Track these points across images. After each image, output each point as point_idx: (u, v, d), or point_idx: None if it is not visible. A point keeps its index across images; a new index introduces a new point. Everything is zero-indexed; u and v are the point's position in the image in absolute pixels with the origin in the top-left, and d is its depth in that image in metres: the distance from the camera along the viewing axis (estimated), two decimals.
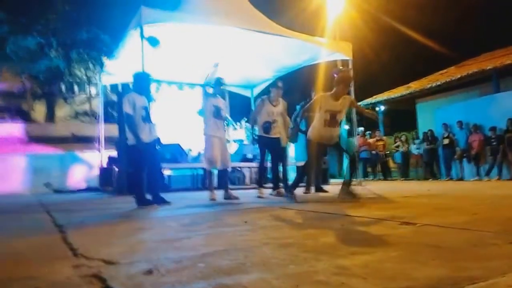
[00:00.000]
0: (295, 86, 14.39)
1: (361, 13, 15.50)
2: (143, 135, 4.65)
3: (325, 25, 13.97)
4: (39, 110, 18.38)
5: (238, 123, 11.15)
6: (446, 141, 11.41)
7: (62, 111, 18.73)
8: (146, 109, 4.79)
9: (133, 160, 4.84)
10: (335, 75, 4.84)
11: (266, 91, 9.78)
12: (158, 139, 4.89)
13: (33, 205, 5.85)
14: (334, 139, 4.91)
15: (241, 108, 11.71)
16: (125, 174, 7.43)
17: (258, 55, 8.51)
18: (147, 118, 4.76)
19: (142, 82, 4.87)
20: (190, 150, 9.50)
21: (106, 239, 2.47)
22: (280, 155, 6.18)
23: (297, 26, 8.25)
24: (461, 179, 10.98)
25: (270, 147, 5.97)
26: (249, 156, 9.31)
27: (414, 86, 15.34)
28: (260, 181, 6.15)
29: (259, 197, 5.65)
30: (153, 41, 6.27)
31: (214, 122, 5.49)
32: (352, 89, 8.17)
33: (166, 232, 2.71)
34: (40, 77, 15.17)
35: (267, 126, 5.86)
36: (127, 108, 4.61)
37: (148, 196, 4.79)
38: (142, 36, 6.16)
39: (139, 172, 4.80)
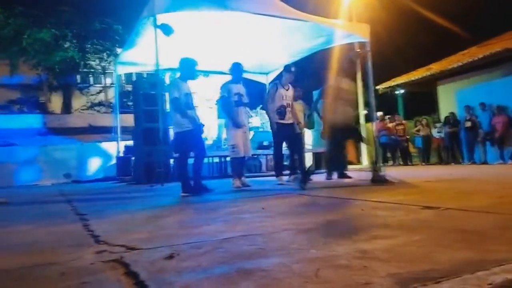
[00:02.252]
0: (311, 71, 14.23)
1: None
2: (189, 121, 4.62)
3: (340, 8, 13.72)
4: (55, 101, 18.72)
5: (253, 110, 11.10)
6: (468, 124, 11.11)
7: (78, 102, 19.01)
8: (190, 96, 4.78)
9: (179, 147, 4.83)
10: (350, 56, 4.77)
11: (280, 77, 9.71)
12: (202, 125, 4.87)
13: (54, 195, 5.98)
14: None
15: (256, 94, 11.64)
16: (142, 163, 7.52)
17: (273, 40, 8.38)
18: (191, 105, 4.76)
19: (188, 68, 4.82)
20: (206, 139, 9.54)
21: (126, 226, 2.50)
22: (295, 141, 6.13)
23: (312, 9, 8.11)
24: (484, 162, 10.70)
25: (285, 133, 5.92)
26: (265, 143, 9.29)
27: (435, 67, 14.95)
28: (278, 168, 6.13)
29: (279, 184, 5.62)
30: (167, 29, 6.23)
31: (237, 111, 5.47)
32: (370, 72, 8.03)
33: (184, 219, 2.73)
34: (56, 69, 15.38)
35: (282, 111, 5.80)
36: (175, 93, 4.58)
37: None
38: (155, 24, 6.13)
39: (185, 160, 4.80)
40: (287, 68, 6.12)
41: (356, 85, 4.79)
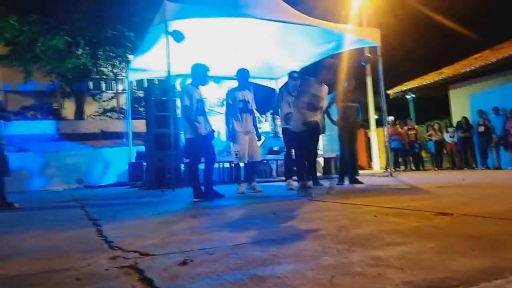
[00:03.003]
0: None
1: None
2: (200, 128, 4.66)
3: (350, 13, 13.70)
4: (68, 107, 18.97)
5: (263, 116, 11.11)
6: (481, 129, 10.96)
7: (90, 108, 19.23)
8: (202, 102, 4.83)
9: (190, 153, 4.87)
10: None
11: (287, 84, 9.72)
12: (213, 131, 4.93)
13: (66, 200, 6.05)
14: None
15: (266, 100, 11.66)
16: (154, 169, 7.57)
17: (283, 45, 8.42)
18: (202, 111, 4.80)
19: (200, 74, 4.85)
20: (217, 144, 9.56)
21: (139, 232, 2.52)
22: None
23: (321, 14, 8.12)
24: (498, 168, 10.54)
25: (294, 139, 5.92)
26: (275, 148, 9.29)
27: (447, 71, 14.79)
28: (288, 174, 6.12)
29: (289, 189, 5.61)
30: (178, 36, 6.29)
31: (242, 117, 5.49)
32: (381, 76, 8.00)
33: (196, 225, 2.74)
34: (69, 76, 15.61)
35: (289, 118, 5.82)
36: (185, 101, 4.63)
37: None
38: (166, 31, 6.20)
39: (195, 165, 4.83)
40: (290, 75, 6.15)
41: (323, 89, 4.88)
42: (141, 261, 1.64)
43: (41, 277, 1.53)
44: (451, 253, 1.55)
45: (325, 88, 5.36)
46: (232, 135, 5.46)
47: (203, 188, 4.68)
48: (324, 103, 5.96)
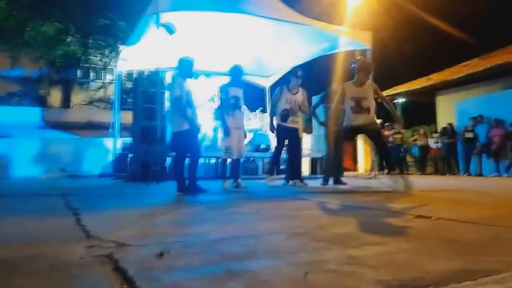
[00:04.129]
0: (312, 76, 14.23)
1: (381, 2, 15.12)
2: (186, 121, 4.62)
3: (344, 14, 13.76)
4: (55, 95, 18.67)
5: (252, 113, 11.11)
6: (469, 135, 11.12)
7: (77, 97, 18.96)
8: (190, 95, 4.80)
9: (177, 146, 4.84)
10: (354, 66, 4.82)
11: (281, 81, 9.70)
12: (199, 125, 4.90)
13: (48, 189, 5.96)
14: (368, 125, 4.84)
15: (256, 97, 11.67)
16: (139, 161, 7.51)
17: (275, 44, 8.42)
18: (190, 104, 4.77)
19: (186, 67, 4.83)
20: (204, 139, 9.53)
21: (118, 223, 2.50)
22: (296, 145, 6.15)
23: (316, 15, 8.13)
24: (480, 174, 10.74)
25: (287, 136, 5.94)
26: (263, 146, 9.29)
27: (435, 78, 14.98)
28: (271, 169, 6.14)
29: (265, 182, 5.65)
30: (170, 28, 6.25)
31: (233, 113, 5.48)
32: (371, 79, 8.05)
33: (177, 218, 2.73)
34: (57, 63, 15.37)
35: (285, 114, 5.82)
36: (177, 92, 4.59)
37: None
38: (158, 23, 6.14)
39: (182, 159, 4.81)
40: (293, 72, 6.14)
41: (368, 88, 4.88)
42: (117, 251, 1.63)
43: (15, 263, 1.51)
44: (426, 255, 1.58)
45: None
46: (226, 130, 5.42)
47: (187, 182, 4.67)
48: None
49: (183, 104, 4.59)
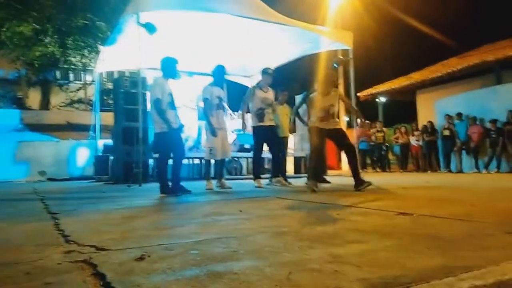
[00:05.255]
0: (295, 76, 14.30)
1: (363, 2, 15.28)
2: (170, 121, 4.59)
3: (326, 14, 13.85)
4: (34, 97, 18.20)
5: (236, 113, 11.08)
6: (446, 132, 11.34)
7: (57, 98, 18.53)
8: (171, 96, 4.74)
9: (160, 148, 4.79)
10: (335, 65, 4.90)
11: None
12: (182, 126, 4.86)
13: (27, 192, 5.81)
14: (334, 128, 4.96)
15: (239, 97, 11.64)
16: (121, 163, 7.40)
17: (258, 44, 8.41)
18: (172, 105, 4.72)
19: (169, 68, 4.79)
20: (187, 140, 9.45)
21: (98, 226, 2.44)
22: (277, 143, 6.15)
23: (298, 15, 8.15)
24: (460, 171, 10.96)
25: (266, 136, 5.93)
26: (247, 146, 9.28)
27: (415, 77, 15.25)
28: (256, 172, 6.12)
29: (257, 187, 5.62)
30: (150, 28, 6.17)
31: (217, 113, 5.45)
32: (352, 79, 8.14)
33: (159, 220, 2.69)
34: (35, 64, 15.00)
35: (260, 113, 5.83)
36: (157, 93, 4.53)
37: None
38: (138, 22, 6.06)
39: (165, 160, 4.76)
40: (264, 70, 6.18)
41: (333, 95, 4.99)
42: (96, 256, 1.59)
43: None
44: (408, 251, 1.59)
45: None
46: (212, 131, 5.38)
47: (170, 183, 4.62)
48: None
49: (162, 106, 4.55)
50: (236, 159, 9.88)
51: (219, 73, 5.61)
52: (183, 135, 5.05)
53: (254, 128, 6.01)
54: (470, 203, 3.25)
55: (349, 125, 14.41)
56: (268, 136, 5.93)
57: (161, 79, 4.76)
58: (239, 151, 9.30)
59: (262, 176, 6.29)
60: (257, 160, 6.23)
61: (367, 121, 13.53)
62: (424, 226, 2.23)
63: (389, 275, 1.25)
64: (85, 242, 1.86)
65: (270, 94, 6.03)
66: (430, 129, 11.97)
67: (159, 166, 4.87)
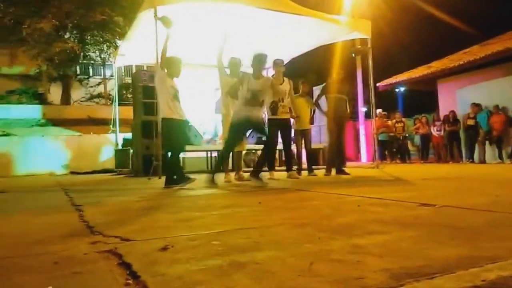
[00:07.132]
0: (312, 67, 14.18)
1: None
2: (175, 114, 4.68)
3: (342, 3, 13.64)
4: (54, 92, 18.62)
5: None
6: (471, 122, 11.06)
7: (77, 93, 18.91)
8: (177, 89, 4.82)
9: (165, 134, 4.91)
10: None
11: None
12: (187, 121, 4.95)
13: (51, 185, 5.97)
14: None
15: None
16: (140, 156, 7.51)
17: (274, 35, 8.35)
18: (177, 98, 4.79)
19: (174, 66, 4.86)
20: (204, 133, 9.51)
21: (122, 218, 2.49)
22: (289, 136, 6.13)
23: (314, 5, 8.05)
24: (482, 162, 10.71)
25: (279, 129, 5.91)
26: (264, 138, 9.26)
27: (436, 65, 14.87)
28: (270, 164, 6.10)
29: (269, 178, 5.63)
30: (167, 22, 6.19)
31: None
32: (370, 69, 8.02)
33: (180, 212, 2.72)
34: (56, 60, 15.30)
35: (274, 107, 5.77)
36: (156, 83, 4.72)
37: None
38: (155, 16, 6.09)
39: (171, 151, 4.86)
40: (275, 62, 6.05)
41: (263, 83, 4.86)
42: (121, 246, 1.63)
43: (19, 260, 1.51)
44: (431, 242, 1.57)
45: (267, 82, 5.17)
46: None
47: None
48: (266, 98, 5.63)
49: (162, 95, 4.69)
50: (253, 151, 9.89)
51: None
52: (187, 128, 5.10)
53: (268, 120, 5.99)
54: (494, 194, 3.18)
55: (367, 115, 14.21)
56: (280, 128, 5.90)
57: (163, 72, 4.83)
58: (256, 143, 9.30)
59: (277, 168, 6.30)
60: (272, 153, 6.21)
61: (384, 112, 13.34)
62: (446, 217, 2.20)
63: (412, 266, 1.24)
64: (109, 233, 1.90)
65: (285, 86, 5.92)
66: (452, 119, 11.70)
67: (171, 158, 4.94)
